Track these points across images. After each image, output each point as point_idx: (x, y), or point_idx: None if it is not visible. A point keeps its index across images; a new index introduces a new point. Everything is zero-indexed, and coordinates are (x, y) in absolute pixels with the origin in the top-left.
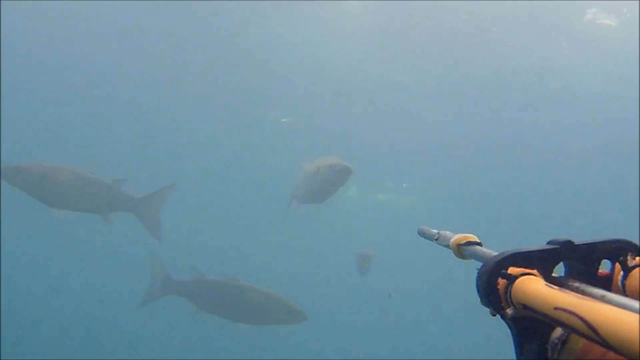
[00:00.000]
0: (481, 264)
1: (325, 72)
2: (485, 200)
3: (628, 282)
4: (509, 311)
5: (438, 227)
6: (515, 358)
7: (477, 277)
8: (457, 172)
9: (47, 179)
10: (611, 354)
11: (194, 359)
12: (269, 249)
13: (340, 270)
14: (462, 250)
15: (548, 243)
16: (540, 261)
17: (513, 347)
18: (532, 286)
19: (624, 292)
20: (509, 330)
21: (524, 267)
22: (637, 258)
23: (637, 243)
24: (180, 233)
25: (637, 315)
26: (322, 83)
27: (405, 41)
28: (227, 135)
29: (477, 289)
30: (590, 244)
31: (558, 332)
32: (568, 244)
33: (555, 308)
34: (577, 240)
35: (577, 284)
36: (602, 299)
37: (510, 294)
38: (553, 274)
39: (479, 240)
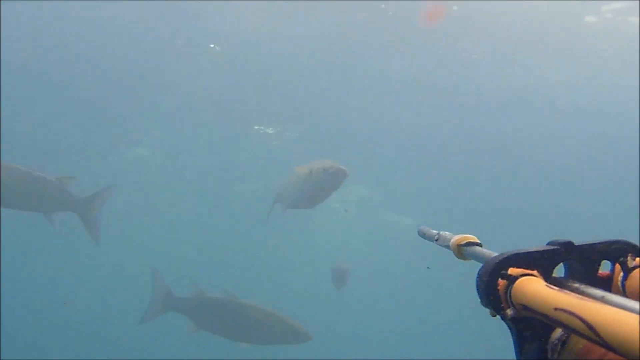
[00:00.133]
0: (481, 264)
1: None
2: (482, 204)
3: (628, 282)
4: (509, 312)
5: (438, 227)
6: (515, 358)
7: (477, 277)
8: (455, 173)
9: None
10: (611, 355)
11: None
12: (253, 260)
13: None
14: (462, 250)
15: (548, 244)
16: (540, 262)
17: (513, 347)
18: (532, 287)
19: (624, 292)
20: (509, 330)
21: (524, 268)
22: (637, 259)
23: (637, 244)
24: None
25: (637, 316)
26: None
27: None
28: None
29: (477, 290)
30: (590, 244)
31: (558, 332)
32: (568, 245)
33: (555, 309)
34: (577, 241)
35: (577, 285)
36: (602, 300)
37: (510, 295)
38: (553, 275)
39: (479, 241)
